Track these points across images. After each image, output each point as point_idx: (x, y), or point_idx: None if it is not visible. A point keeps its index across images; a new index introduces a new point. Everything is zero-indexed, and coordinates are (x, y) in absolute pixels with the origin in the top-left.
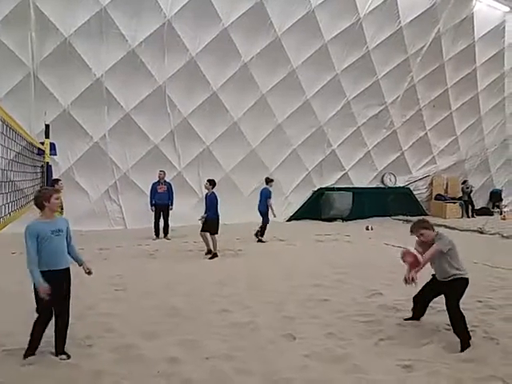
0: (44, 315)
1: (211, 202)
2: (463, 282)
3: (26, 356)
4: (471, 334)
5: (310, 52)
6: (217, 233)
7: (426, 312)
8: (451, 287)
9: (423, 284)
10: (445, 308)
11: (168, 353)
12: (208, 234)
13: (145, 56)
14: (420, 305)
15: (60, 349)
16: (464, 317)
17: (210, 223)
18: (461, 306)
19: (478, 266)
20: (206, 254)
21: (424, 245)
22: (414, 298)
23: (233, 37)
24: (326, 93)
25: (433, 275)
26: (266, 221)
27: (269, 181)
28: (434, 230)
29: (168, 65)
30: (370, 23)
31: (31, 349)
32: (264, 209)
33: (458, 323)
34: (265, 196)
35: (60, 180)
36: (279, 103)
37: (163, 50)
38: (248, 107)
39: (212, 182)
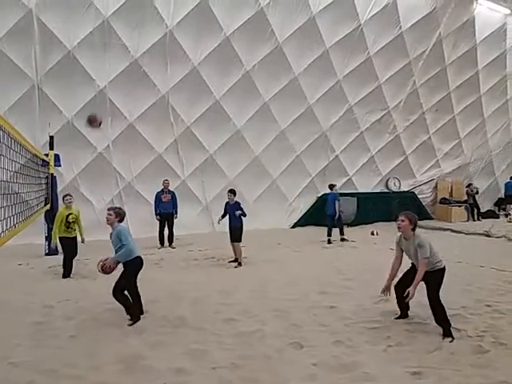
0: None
1: (235, 210)
2: (441, 272)
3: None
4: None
5: (312, 59)
6: (240, 241)
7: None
8: (431, 278)
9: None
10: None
11: (174, 363)
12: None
13: (147, 66)
14: (401, 295)
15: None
16: (444, 306)
17: (236, 231)
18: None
19: (485, 269)
20: (236, 265)
21: (400, 242)
22: (395, 287)
23: (234, 45)
24: (328, 99)
25: (412, 263)
26: (341, 221)
27: (332, 186)
28: (414, 230)
29: (171, 74)
30: (370, 29)
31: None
32: (333, 212)
33: (440, 313)
34: (332, 199)
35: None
36: (282, 110)
37: (166, 60)
38: (251, 115)
39: (233, 192)
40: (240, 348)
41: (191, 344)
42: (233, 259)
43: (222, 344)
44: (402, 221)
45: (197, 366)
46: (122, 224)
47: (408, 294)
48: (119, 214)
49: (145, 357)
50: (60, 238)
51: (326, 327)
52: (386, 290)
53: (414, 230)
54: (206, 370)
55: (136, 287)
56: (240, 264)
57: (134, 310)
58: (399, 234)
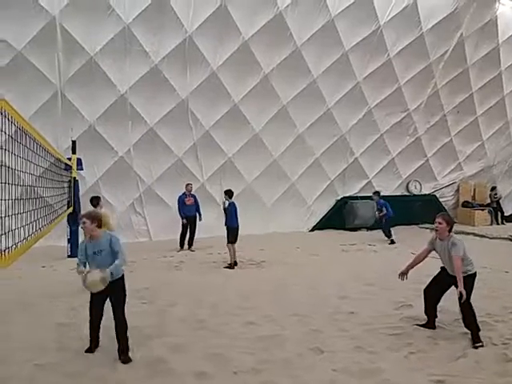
0: (91, 316)
1: (229, 212)
2: (472, 278)
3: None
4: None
5: (331, 61)
6: (234, 242)
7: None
8: (464, 284)
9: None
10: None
11: (196, 367)
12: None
13: (167, 71)
14: (431, 300)
15: (121, 352)
16: (474, 311)
17: (230, 233)
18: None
19: (511, 275)
20: (227, 267)
21: (434, 242)
22: (425, 290)
23: (253, 49)
24: (347, 101)
25: (442, 267)
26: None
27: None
28: (450, 233)
29: (190, 79)
30: (390, 30)
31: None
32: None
33: (470, 317)
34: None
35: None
36: (300, 113)
37: (185, 64)
38: (269, 118)
39: (227, 193)
40: (260, 352)
41: (212, 348)
42: (233, 263)
43: (242, 348)
44: (440, 223)
45: (218, 370)
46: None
47: (461, 295)
48: (95, 218)
49: (166, 360)
50: None
51: (346, 332)
52: (403, 274)
53: (450, 231)
54: (227, 374)
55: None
56: (235, 264)
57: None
58: (434, 234)
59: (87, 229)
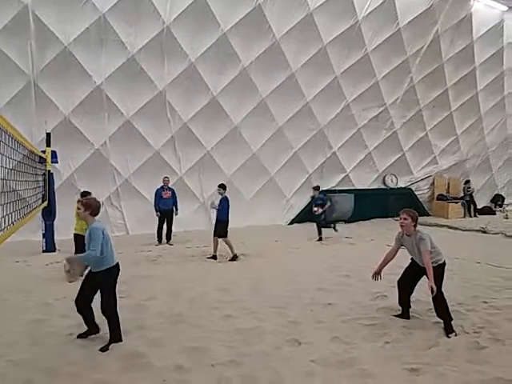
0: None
1: (221, 206)
2: (442, 267)
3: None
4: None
5: (309, 55)
6: (226, 236)
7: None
8: (434, 273)
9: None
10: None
11: (174, 360)
12: (219, 239)
13: (144, 62)
14: (404, 291)
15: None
16: (446, 301)
17: (221, 226)
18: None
19: (482, 265)
20: (209, 257)
21: (401, 238)
22: (398, 282)
23: (232, 41)
24: (325, 95)
25: (412, 258)
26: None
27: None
28: (415, 228)
29: (168, 71)
30: (368, 25)
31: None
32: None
33: (442, 307)
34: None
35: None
36: (279, 107)
37: (163, 56)
38: (248, 111)
39: (221, 186)
40: (238, 345)
41: (190, 341)
42: (211, 256)
43: (220, 341)
44: (405, 219)
45: (195, 363)
46: (97, 220)
47: (432, 290)
48: (89, 206)
49: (143, 354)
50: (77, 236)
51: (323, 324)
52: (376, 275)
53: (415, 226)
54: (204, 367)
55: (115, 301)
56: (236, 257)
57: (116, 330)
58: (400, 230)
59: (80, 215)
